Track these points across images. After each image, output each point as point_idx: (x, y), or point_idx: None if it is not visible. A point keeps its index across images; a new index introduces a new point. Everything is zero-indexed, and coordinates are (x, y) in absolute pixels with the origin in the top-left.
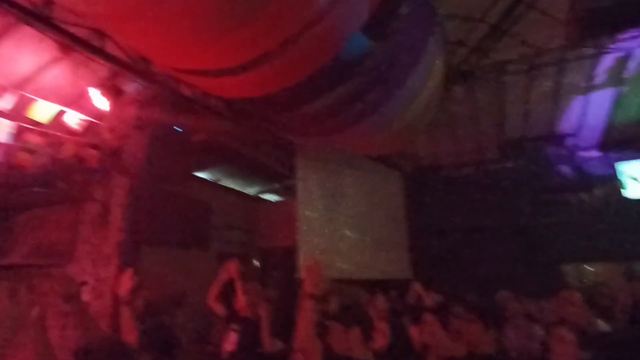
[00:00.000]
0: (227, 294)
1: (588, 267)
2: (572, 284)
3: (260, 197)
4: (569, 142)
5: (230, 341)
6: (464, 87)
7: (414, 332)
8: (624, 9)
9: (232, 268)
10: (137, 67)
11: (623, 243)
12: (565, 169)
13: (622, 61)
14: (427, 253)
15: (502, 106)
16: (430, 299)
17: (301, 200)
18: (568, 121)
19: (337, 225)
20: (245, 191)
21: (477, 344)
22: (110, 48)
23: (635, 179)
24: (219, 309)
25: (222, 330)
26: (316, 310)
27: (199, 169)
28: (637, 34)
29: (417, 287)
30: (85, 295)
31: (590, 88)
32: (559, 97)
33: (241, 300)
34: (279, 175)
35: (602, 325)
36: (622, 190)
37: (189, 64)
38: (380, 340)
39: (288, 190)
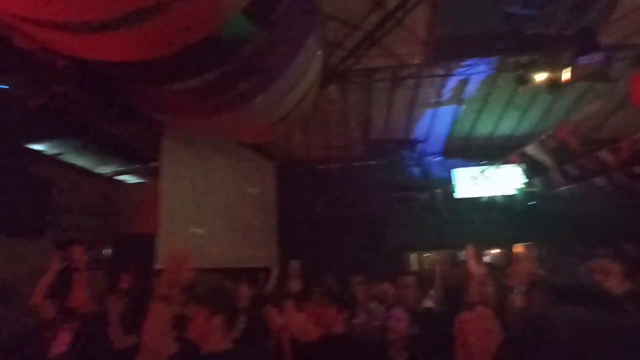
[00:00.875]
0: (61, 288)
1: (426, 255)
2: (413, 270)
3: (116, 178)
4: (419, 147)
5: (61, 341)
6: (338, 87)
7: (273, 316)
8: (469, 41)
9: (77, 255)
10: None
11: (453, 235)
12: (415, 170)
13: (463, 84)
14: (295, 242)
15: (369, 109)
16: (292, 285)
17: (166, 183)
18: (420, 129)
19: (204, 212)
20: (98, 170)
21: (331, 325)
22: None
23: (464, 182)
24: (47, 307)
25: (51, 330)
26: (177, 301)
27: (37, 141)
28: (475, 63)
29: (275, 273)
30: None
31: (438, 103)
32: (414, 107)
33: (81, 294)
34: (141, 155)
35: (429, 303)
36: (453, 192)
37: (45, 13)
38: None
39: (151, 172)
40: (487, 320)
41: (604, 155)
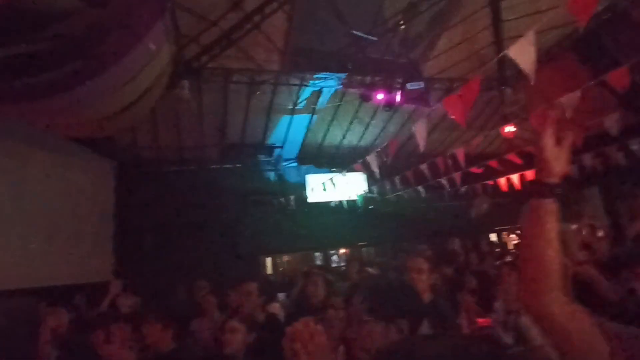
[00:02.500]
0: None
1: (283, 258)
2: (268, 273)
3: None
4: (276, 152)
5: None
6: (191, 84)
7: (95, 339)
8: (322, 56)
9: None
10: None
11: (306, 238)
12: (270, 175)
13: (316, 95)
14: (137, 249)
15: (225, 111)
16: (126, 301)
17: None
18: (276, 135)
19: (21, 220)
20: None
21: (158, 343)
22: None
23: (315, 188)
24: None
25: None
26: None
27: None
28: (327, 76)
29: (115, 287)
30: None
31: (294, 111)
32: (271, 113)
33: None
34: None
35: (275, 309)
36: (306, 197)
37: None
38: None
39: None
40: (310, 329)
41: (424, 168)
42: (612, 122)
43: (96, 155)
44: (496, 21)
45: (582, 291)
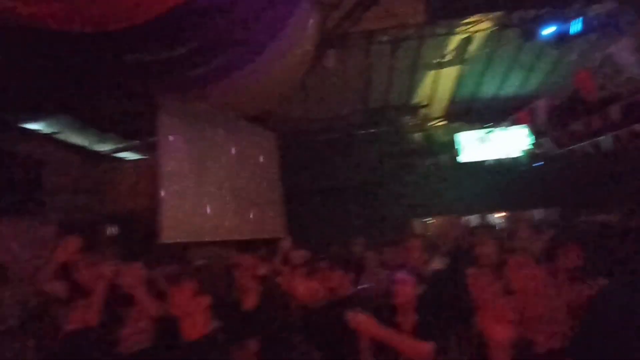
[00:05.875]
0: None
1: (429, 220)
2: (416, 234)
3: (113, 156)
4: (422, 112)
5: (74, 319)
6: (336, 52)
7: (284, 285)
8: None
9: (70, 247)
10: None
11: (457, 200)
12: (418, 136)
13: (466, 43)
14: (298, 212)
15: (369, 74)
16: (299, 255)
17: (164, 158)
18: (422, 93)
19: (205, 186)
20: (94, 148)
21: (338, 289)
22: None
23: (468, 146)
24: (58, 286)
25: (64, 308)
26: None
27: (29, 120)
28: (478, 19)
29: (285, 244)
30: None
31: (441, 64)
32: (417, 70)
33: (91, 272)
34: (138, 131)
35: (437, 265)
36: (457, 156)
37: None
38: (250, 300)
39: (149, 148)
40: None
41: (614, 111)
42: None
43: (260, 129)
44: None
45: None
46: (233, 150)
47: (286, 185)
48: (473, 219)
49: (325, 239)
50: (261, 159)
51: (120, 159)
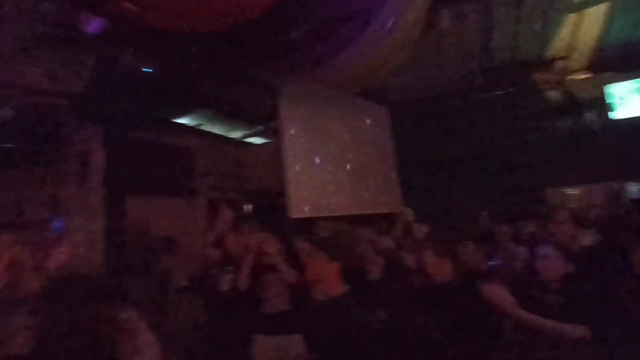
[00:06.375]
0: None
1: (570, 191)
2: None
3: (245, 141)
4: (559, 65)
5: (226, 281)
6: (451, 12)
7: (410, 261)
8: None
9: (226, 218)
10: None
11: (608, 165)
12: (554, 94)
13: None
14: (415, 185)
15: (490, 28)
16: (421, 229)
17: (286, 140)
18: (558, 42)
19: (326, 164)
20: (229, 135)
21: (471, 263)
22: None
23: (623, 100)
24: (214, 253)
25: (218, 273)
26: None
27: (178, 115)
28: None
29: (407, 217)
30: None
31: (581, 5)
32: (549, 16)
33: (239, 243)
34: (262, 117)
35: (587, 241)
36: (609, 113)
37: None
38: (375, 272)
39: (273, 132)
40: None
41: None
42: None
43: (371, 103)
44: None
45: None
46: (349, 127)
47: (400, 158)
48: (630, 188)
49: (447, 212)
50: (374, 132)
51: (250, 143)
